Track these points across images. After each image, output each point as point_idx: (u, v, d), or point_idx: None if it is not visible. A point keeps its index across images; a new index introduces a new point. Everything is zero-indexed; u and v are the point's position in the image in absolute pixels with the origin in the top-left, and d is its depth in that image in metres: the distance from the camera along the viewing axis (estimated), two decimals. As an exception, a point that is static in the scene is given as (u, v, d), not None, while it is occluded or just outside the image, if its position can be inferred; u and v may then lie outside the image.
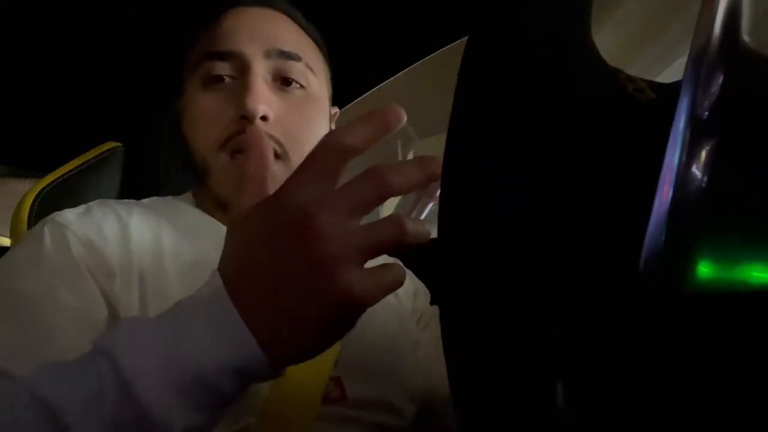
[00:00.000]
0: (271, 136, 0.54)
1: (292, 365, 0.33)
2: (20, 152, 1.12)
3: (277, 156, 0.55)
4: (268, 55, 0.56)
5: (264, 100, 0.53)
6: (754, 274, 0.18)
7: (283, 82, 0.57)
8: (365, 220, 0.32)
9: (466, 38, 0.25)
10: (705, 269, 0.18)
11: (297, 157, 0.56)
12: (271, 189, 0.41)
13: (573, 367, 0.26)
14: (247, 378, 0.32)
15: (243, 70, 0.55)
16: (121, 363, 0.30)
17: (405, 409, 0.54)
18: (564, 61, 0.26)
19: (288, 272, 0.31)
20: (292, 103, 0.56)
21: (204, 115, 0.55)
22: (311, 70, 0.59)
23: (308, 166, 0.32)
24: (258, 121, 0.53)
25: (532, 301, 0.25)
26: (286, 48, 0.57)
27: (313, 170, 0.32)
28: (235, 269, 0.33)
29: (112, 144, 0.80)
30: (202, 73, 0.56)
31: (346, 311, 0.31)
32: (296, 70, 0.57)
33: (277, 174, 0.54)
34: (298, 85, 0.57)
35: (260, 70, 0.55)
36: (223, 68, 0.55)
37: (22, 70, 0.95)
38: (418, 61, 0.98)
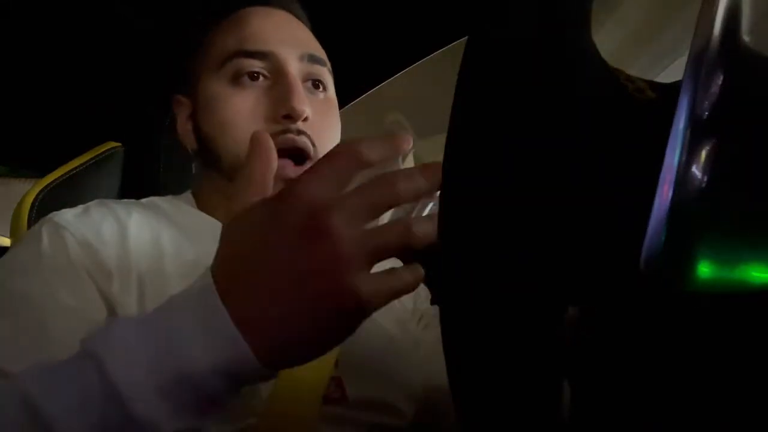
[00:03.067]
0: (308, 137, 0.55)
1: (289, 368, 0.33)
2: (20, 152, 1.12)
3: (308, 157, 0.55)
4: (301, 58, 0.57)
5: (306, 101, 0.55)
6: (754, 274, 0.18)
7: (313, 85, 0.58)
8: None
9: (466, 38, 0.25)
10: (705, 269, 0.18)
11: None
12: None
13: (574, 367, 0.26)
14: (237, 379, 0.31)
15: (279, 70, 0.56)
16: (107, 367, 0.29)
17: (405, 410, 0.54)
18: (564, 61, 0.26)
19: (289, 272, 0.30)
20: (320, 107, 0.58)
21: (238, 114, 0.55)
22: (330, 74, 0.61)
23: (321, 168, 0.32)
24: (300, 122, 0.54)
25: (533, 300, 0.25)
26: (315, 53, 0.59)
27: (326, 172, 0.31)
28: (228, 267, 0.33)
29: (112, 144, 0.80)
30: (232, 70, 0.56)
31: (351, 314, 0.30)
32: (323, 74, 0.59)
33: None
34: (323, 89, 0.60)
35: (296, 72, 0.56)
36: (257, 66, 0.56)
37: (22, 70, 0.94)
38: (418, 61, 0.98)
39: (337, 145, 0.33)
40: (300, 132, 0.54)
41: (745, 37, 0.20)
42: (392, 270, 0.32)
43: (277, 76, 0.56)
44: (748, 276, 0.18)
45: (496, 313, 0.25)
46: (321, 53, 0.60)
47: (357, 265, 0.30)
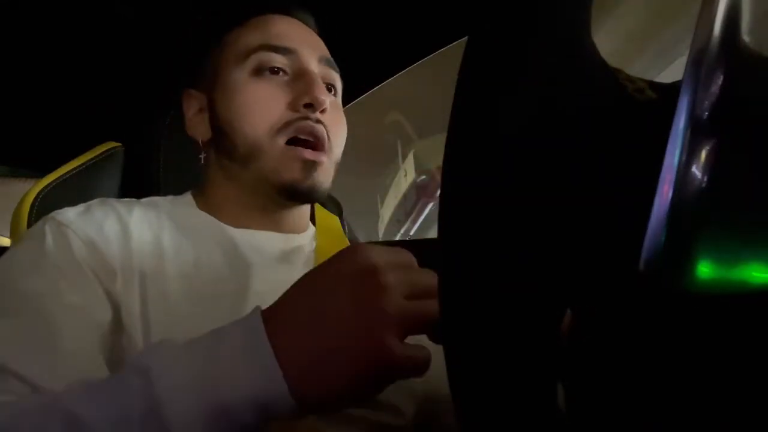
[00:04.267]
0: (325, 127, 0.58)
1: (313, 411, 0.35)
2: (20, 152, 1.12)
3: (324, 147, 0.58)
4: (320, 60, 0.61)
5: (327, 93, 0.59)
6: (754, 274, 0.18)
7: (326, 87, 0.61)
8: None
9: (466, 38, 0.25)
10: (705, 269, 0.18)
11: (336, 152, 0.61)
12: (321, 176, 0.57)
13: (574, 367, 0.26)
14: (270, 414, 0.33)
15: (300, 67, 0.59)
16: (155, 381, 0.31)
17: (405, 409, 0.54)
18: (563, 60, 0.26)
19: (337, 320, 0.33)
20: (333, 106, 0.61)
21: (258, 101, 0.58)
22: (340, 82, 0.65)
23: (388, 249, 0.36)
24: (318, 113, 0.57)
25: (533, 300, 0.25)
26: (331, 59, 0.63)
27: (392, 251, 0.35)
28: (280, 309, 0.35)
29: (112, 144, 0.80)
30: (255, 63, 0.58)
31: (382, 371, 0.33)
32: (336, 79, 0.64)
33: (327, 165, 0.59)
34: (334, 92, 0.64)
35: (317, 70, 0.60)
36: (280, 61, 0.59)
37: (22, 70, 0.94)
38: (418, 61, 0.98)
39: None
40: (318, 121, 0.58)
41: (745, 37, 0.20)
42: (421, 346, 0.34)
43: (298, 72, 0.59)
44: (748, 276, 0.18)
45: (496, 312, 0.25)
46: (333, 60, 0.64)
47: (397, 326, 0.32)
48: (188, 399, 0.32)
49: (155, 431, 0.31)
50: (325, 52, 0.63)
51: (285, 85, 0.58)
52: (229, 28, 0.62)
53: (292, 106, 0.57)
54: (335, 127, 0.61)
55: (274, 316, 0.35)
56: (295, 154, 0.57)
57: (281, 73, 0.59)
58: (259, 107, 0.57)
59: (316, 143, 0.58)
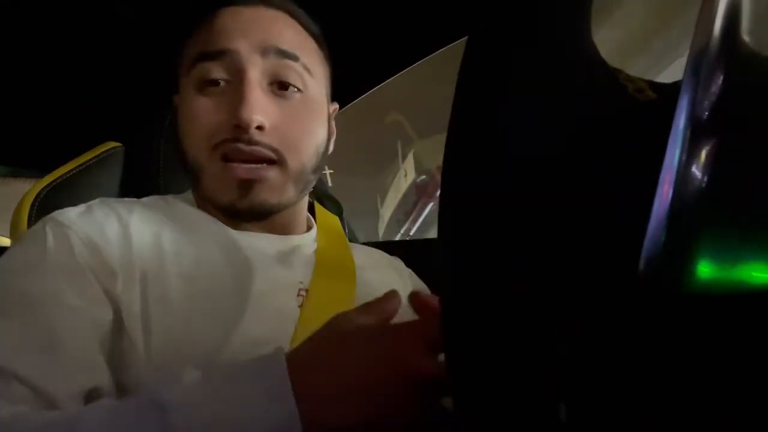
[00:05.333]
0: (265, 145, 0.54)
1: None
2: (20, 152, 1.12)
3: (272, 162, 0.55)
4: (264, 52, 0.54)
5: (260, 109, 0.53)
6: (754, 274, 0.18)
7: (279, 86, 0.56)
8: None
9: (466, 38, 0.25)
10: (705, 269, 0.18)
11: (294, 163, 0.56)
12: (263, 193, 0.53)
13: (574, 368, 0.26)
14: None
15: (238, 72, 0.54)
16: (174, 421, 0.32)
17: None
18: (563, 60, 0.26)
19: (366, 381, 0.35)
20: (289, 110, 0.56)
21: (197, 118, 0.55)
22: (308, 71, 0.58)
23: (414, 332, 0.37)
24: (253, 131, 0.52)
25: (533, 302, 0.25)
26: (283, 46, 0.55)
27: (417, 338, 0.36)
28: (308, 359, 0.37)
29: (112, 144, 0.80)
30: (196, 76, 0.55)
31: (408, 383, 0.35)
32: (293, 71, 0.56)
33: (273, 179, 0.55)
34: (296, 89, 0.56)
35: (255, 74, 0.54)
36: (217, 71, 0.54)
37: (22, 70, 0.95)
38: (418, 61, 0.98)
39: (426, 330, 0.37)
40: (252, 142, 0.53)
41: (745, 37, 0.20)
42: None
43: (235, 79, 0.54)
44: (748, 276, 0.18)
45: (496, 313, 0.25)
46: (294, 47, 0.56)
47: (422, 394, 0.35)
48: None
49: None
50: (273, 40, 0.55)
51: (224, 98, 0.54)
52: (189, 34, 0.59)
53: (226, 127, 0.53)
54: (291, 136, 0.55)
55: (299, 369, 0.35)
56: (228, 172, 0.53)
57: (222, 83, 0.54)
58: (198, 125, 0.54)
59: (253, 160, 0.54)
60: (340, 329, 0.39)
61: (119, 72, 0.95)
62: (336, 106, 0.67)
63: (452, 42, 0.93)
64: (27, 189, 0.72)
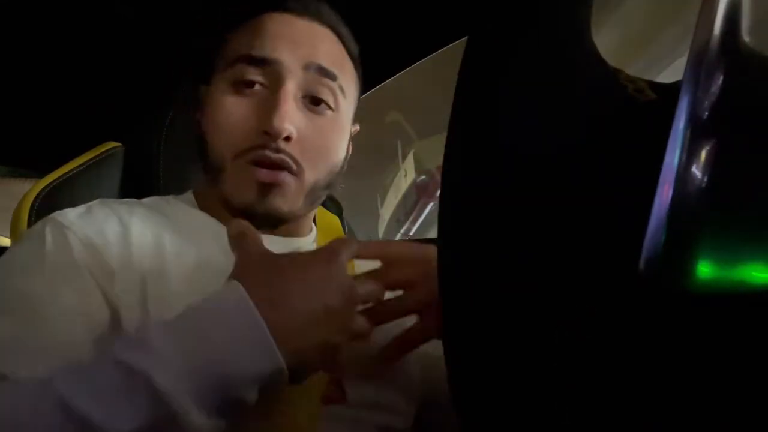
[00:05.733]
0: (288, 154, 0.54)
1: (304, 378, 0.40)
2: (20, 152, 1.12)
3: (290, 171, 0.55)
4: (306, 67, 0.55)
5: (290, 120, 0.53)
6: (754, 274, 0.18)
7: (312, 101, 0.56)
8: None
9: (466, 38, 0.25)
10: (705, 269, 0.18)
11: (310, 176, 0.57)
12: (278, 199, 0.56)
13: (574, 366, 0.26)
14: (267, 387, 0.37)
15: (277, 81, 0.54)
16: (156, 380, 0.33)
17: (405, 410, 0.54)
18: (564, 61, 0.26)
19: (322, 298, 0.39)
20: (317, 126, 0.56)
21: (228, 119, 0.55)
22: (342, 92, 0.58)
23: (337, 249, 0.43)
24: (281, 140, 0.53)
25: (533, 301, 0.25)
26: (325, 65, 0.56)
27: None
28: (266, 288, 0.39)
29: (112, 144, 0.80)
30: (234, 76, 0.55)
31: (345, 304, 0.40)
32: (329, 90, 0.57)
33: (289, 186, 0.55)
34: (327, 107, 0.57)
35: (292, 86, 0.55)
36: (256, 74, 0.55)
37: (22, 70, 0.95)
38: (419, 61, 0.98)
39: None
40: (278, 150, 0.53)
41: (745, 37, 0.20)
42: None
43: (274, 86, 0.55)
44: (748, 276, 0.18)
45: (496, 312, 0.25)
46: (334, 65, 0.57)
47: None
48: (188, 386, 0.34)
49: (164, 418, 0.33)
50: (317, 56, 0.56)
51: (257, 102, 0.55)
52: (229, 29, 0.60)
53: (256, 131, 0.54)
54: (312, 153, 0.56)
55: (260, 300, 0.37)
56: (250, 174, 0.54)
57: (257, 86, 0.55)
58: (229, 127, 0.55)
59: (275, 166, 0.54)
60: (276, 262, 0.42)
61: (119, 72, 0.94)
62: (357, 127, 0.67)
63: (452, 42, 0.93)
64: (27, 189, 0.72)
